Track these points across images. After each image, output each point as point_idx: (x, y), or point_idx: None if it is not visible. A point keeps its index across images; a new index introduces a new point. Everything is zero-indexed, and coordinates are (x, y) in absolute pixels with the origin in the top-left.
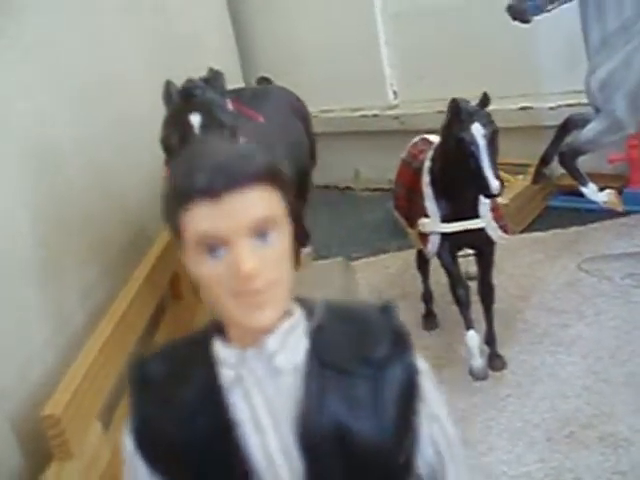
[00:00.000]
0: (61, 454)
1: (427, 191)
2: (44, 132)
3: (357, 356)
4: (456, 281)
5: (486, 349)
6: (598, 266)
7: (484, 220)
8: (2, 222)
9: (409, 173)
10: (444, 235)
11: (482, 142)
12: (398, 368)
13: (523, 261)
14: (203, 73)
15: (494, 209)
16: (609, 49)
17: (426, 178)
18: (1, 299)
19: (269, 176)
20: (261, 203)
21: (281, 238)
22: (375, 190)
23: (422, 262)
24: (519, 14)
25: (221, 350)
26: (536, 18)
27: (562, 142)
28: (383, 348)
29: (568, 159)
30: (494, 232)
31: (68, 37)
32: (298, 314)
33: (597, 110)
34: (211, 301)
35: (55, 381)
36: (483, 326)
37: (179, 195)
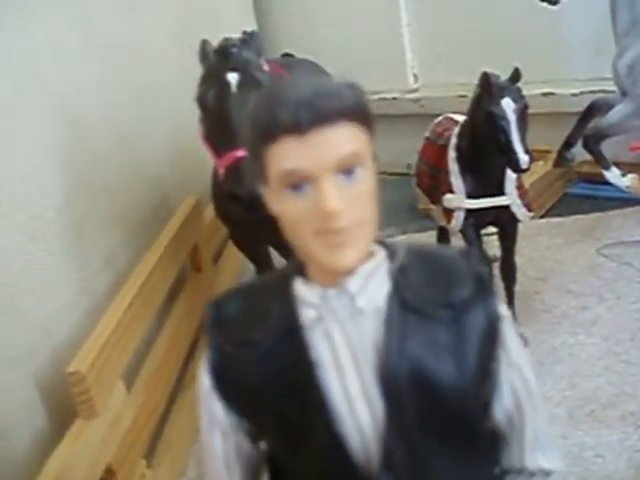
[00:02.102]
0: (85, 412)
1: (453, 167)
2: (75, 96)
3: (439, 299)
4: None
5: None
6: (617, 251)
7: (510, 197)
8: (31, 183)
9: (434, 150)
10: (469, 211)
11: (512, 117)
12: (480, 312)
13: (542, 245)
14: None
15: (519, 187)
16: (638, 32)
17: (452, 154)
18: (26, 258)
19: (356, 112)
20: (348, 139)
21: (367, 176)
22: (393, 174)
23: (443, 241)
24: None
25: (302, 289)
26: (564, 0)
27: (586, 126)
28: (465, 291)
29: (592, 142)
30: (519, 210)
31: (101, 3)
32: (380, 255)
33: (623, 93)
34: (293, 239)
35: (79, 341)
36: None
37: (263, 131)
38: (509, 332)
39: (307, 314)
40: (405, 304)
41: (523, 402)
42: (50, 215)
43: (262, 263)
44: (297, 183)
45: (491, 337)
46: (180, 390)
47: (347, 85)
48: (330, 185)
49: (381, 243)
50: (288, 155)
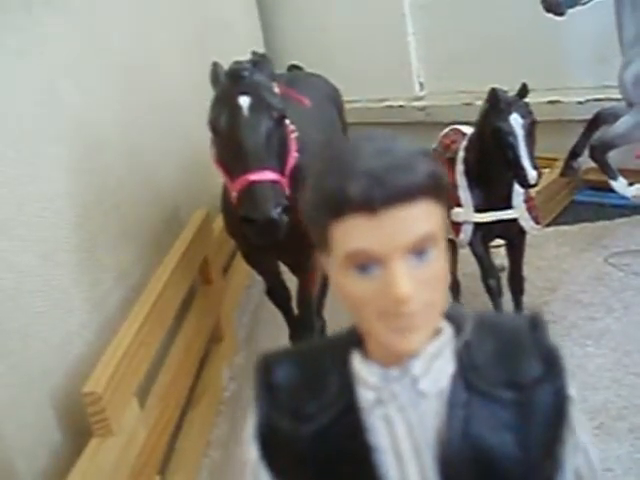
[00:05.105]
0: (101, 431)
1: (461, 181)
2: (88, 114)
3: (505, 378)
4: (488, 271)
5: None
6: (625, 261)
7: (517, 211)
8: (44, 200)
9: (441, 163)
10: (477, 225)
11: (520, 132)
12: (548, 392)
13: (550, 254)
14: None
15: (527, 200)
16: None
17: (460, 167)
18: (39, 278)
19: (433, 187)
20: (422, 219)
21: (439, 255)
22: None
23: (450, 252)
24: (554, 6)
25: (361, 367)
26: (570, 11)
27: (592, 136)
28: (533, 370)
29: (599, 153)
30: (526, 223)
31: (112, 20)
32: (447, 333)
33: (630, 104)
34: (354, 316)
35: (93, 359)
36: None
37: (330, 204)
38: (577, 412)
39: (366, 395)
40: (469, 385)
41: None
42: (62, 234)
43: (272, 279)
44: (364, 264)
45: (558, 418)
46: (191, 404)
47: (420, 154)
48: (401, 268)
49: (447, 315)
50: (357, 234)
